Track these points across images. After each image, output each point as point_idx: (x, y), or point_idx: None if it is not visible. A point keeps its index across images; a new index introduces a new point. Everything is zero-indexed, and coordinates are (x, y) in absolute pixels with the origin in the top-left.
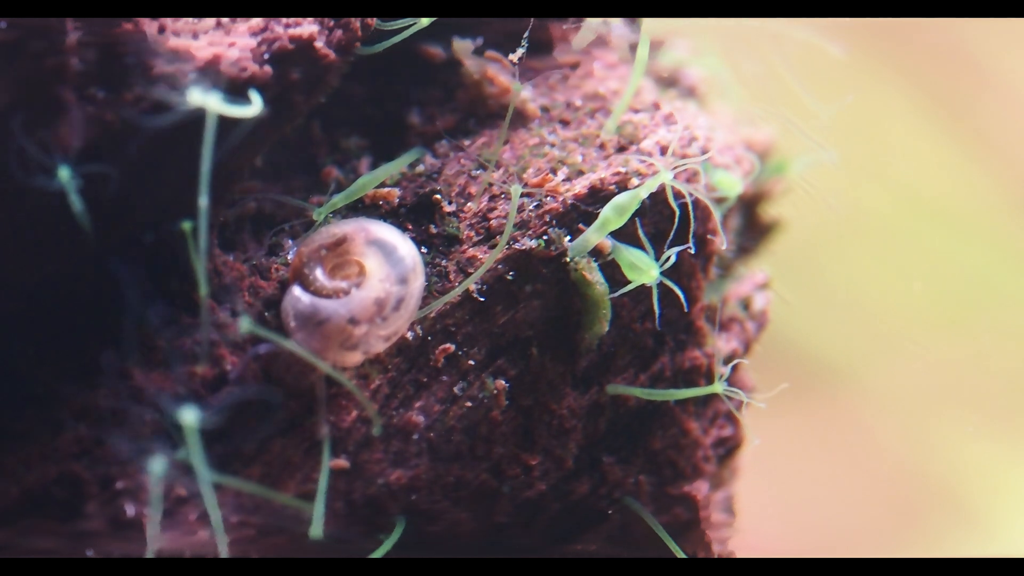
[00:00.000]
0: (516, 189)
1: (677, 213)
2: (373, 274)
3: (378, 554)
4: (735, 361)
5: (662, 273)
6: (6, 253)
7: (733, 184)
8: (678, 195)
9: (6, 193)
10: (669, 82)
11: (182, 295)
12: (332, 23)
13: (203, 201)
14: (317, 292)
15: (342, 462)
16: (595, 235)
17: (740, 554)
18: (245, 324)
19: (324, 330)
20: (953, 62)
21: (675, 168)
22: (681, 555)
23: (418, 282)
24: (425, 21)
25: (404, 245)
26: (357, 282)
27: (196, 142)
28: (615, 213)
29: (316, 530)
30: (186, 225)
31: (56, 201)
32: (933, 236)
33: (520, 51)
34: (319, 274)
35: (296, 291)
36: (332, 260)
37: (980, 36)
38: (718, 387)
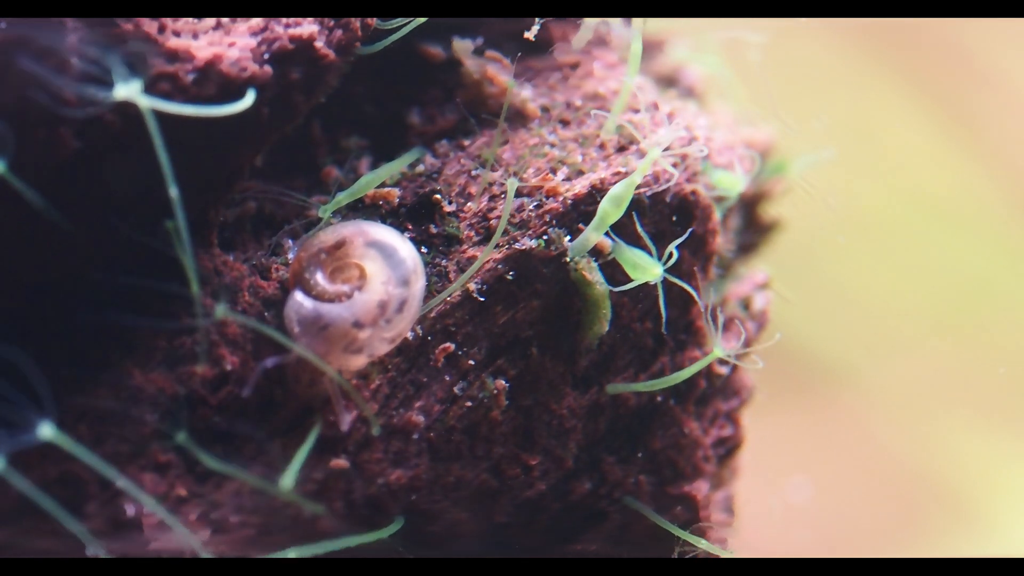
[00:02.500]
0: (512, 182)
1: (678, 166)
2: (374, 277)
3: (369, 539)
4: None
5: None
6: (6, 252)
7: (733, 183)
8: (680, 190)
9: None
10: (669, 82)
11: (182, 295)
12: (332, 23)
13: (173, 192)
14: (319, 296)
15: (342, 462)
16: (595, 233)
17: (740, 554)
18: (220, 310)
19: (328, 334)
20: (953, 62)
21: (672, 155)
22: (699, 542)
23: (420, 283)
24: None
25: (404, 247)
26: (359, 285)
27: (195, 142)
28: (613, 205)
29: (288, 480)
30: (170, 224)
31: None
32: (933, 236)
33: (532, 35)
34: (320, 278)
35: (298, 296)
36: (332, 263)
37: (980, 36)
38: (718, 352)
